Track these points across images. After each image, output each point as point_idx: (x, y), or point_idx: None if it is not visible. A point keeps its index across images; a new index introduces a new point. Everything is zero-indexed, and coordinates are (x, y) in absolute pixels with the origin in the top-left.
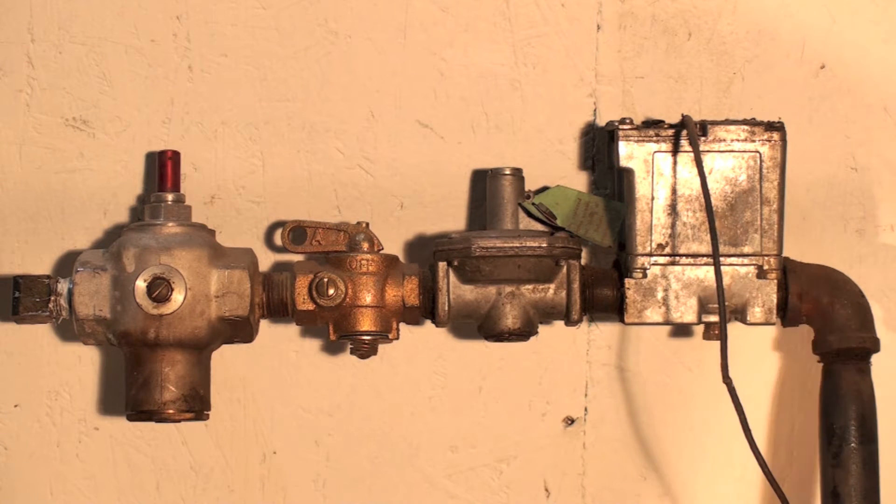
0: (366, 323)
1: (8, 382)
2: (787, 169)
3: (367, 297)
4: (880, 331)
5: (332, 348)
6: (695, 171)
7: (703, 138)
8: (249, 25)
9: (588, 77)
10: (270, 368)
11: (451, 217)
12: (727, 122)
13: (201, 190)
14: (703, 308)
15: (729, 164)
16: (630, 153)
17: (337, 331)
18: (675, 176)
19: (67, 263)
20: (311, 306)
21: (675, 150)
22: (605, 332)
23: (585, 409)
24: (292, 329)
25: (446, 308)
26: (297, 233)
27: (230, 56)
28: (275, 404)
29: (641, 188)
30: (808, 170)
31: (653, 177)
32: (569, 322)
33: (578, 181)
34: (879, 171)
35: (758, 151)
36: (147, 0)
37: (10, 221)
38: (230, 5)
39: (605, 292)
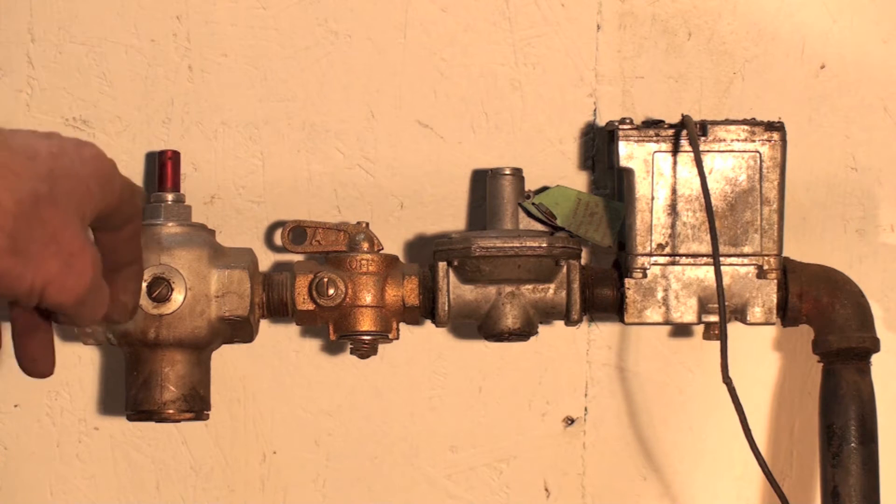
0: (366, 323)
1: (8, 382)
2: (787, 169)
3: (367, 297)
4: (880, 331)
5: (332, 348)
6: (695, 171)
7: (703, 138)
8: (249, 25)
9: (588, 77)
10: (270, 368)
11: (451, 217)
12: (727, 122)
13: (201, 190)
14: (703, 308)
15: (729, 164)
16: (630, 153)
17: (337, 331)
18: (675, 176)
19: None
20: (311, 306)
21: (675, 150)
22: (605, 332)
23: (585, 409)
24: (292, 329)
25: (446, 308)
26: (297, 233)
27: (230, 56)
28: (275, 404)
29: (641, 188)
30: (808, 170)
31: (653, 177)
32: (569, 322)
33: (578, 181)
34: (879, 171)
35: (758, 151)
36: (147, 0)
37: None
38: (230, 5)
39: (605, 292)
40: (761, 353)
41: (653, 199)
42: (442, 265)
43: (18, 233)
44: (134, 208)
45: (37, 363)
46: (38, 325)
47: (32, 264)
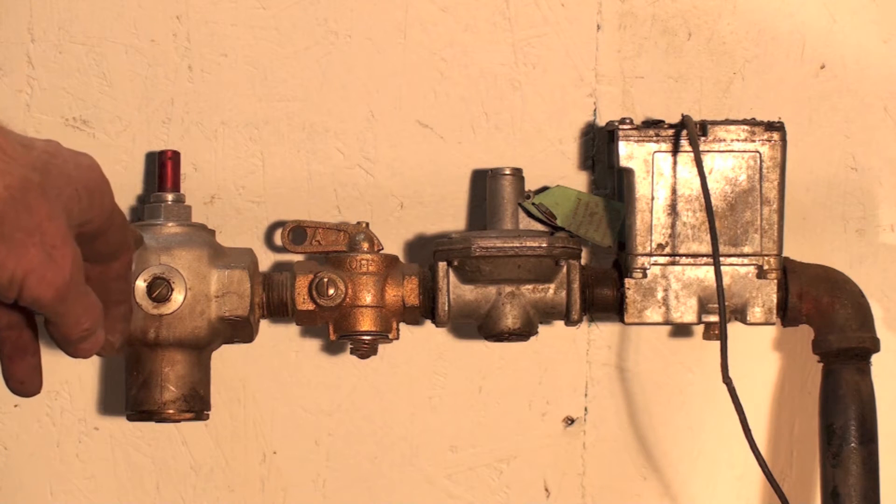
0: (366, 323)
1: None
2: (787, 169)
3: (367, 297)
4: (880, 331)
5: (332, 348)
6: (695, 171)
7: (703, 138)
8: (249, 25)
9: (588, 77)
10: (270, 368)
11: (451, 217)
12: (727, 122)
13: (201, 190)
14: (703, 308)
15: (729, 164)
16: (630, 153)
17: (337, 331)
18: (675, 176)
19: None
20: (311, 306)
21: (675, 150)
22: (605, 332)
23: (585, 409)
24: (292, 329)
25: (446, 308)
26: (297, 233)
27: (230, 56)
28: (275, 404)
29: (641, 188)
30: (808, 170)
31: (653, 177)
32: (569, 322)
33: (578, 181)
34: (879, 171)
35: (758, 151)
36: (147, 0)
37: None
38: (230, 5)
39: (605, 292)
40: (761, 353)
41: (653, 199)
42: (442, 265)
43: (5, 217)
44: (124, 238)
45: (24, 385)
46: (27, 347)
47: (14, 253)
